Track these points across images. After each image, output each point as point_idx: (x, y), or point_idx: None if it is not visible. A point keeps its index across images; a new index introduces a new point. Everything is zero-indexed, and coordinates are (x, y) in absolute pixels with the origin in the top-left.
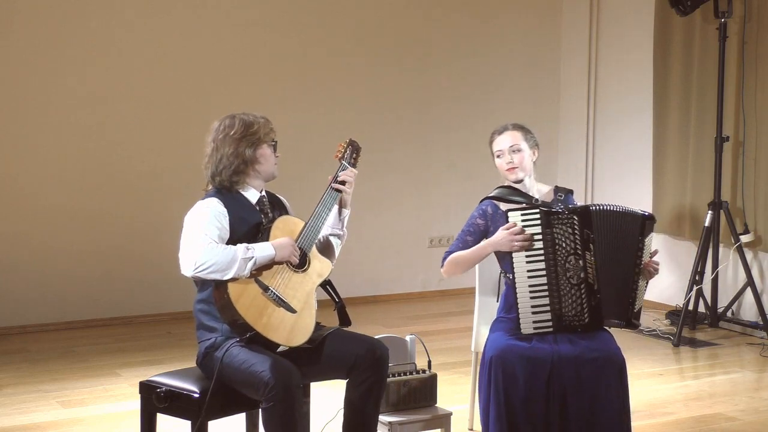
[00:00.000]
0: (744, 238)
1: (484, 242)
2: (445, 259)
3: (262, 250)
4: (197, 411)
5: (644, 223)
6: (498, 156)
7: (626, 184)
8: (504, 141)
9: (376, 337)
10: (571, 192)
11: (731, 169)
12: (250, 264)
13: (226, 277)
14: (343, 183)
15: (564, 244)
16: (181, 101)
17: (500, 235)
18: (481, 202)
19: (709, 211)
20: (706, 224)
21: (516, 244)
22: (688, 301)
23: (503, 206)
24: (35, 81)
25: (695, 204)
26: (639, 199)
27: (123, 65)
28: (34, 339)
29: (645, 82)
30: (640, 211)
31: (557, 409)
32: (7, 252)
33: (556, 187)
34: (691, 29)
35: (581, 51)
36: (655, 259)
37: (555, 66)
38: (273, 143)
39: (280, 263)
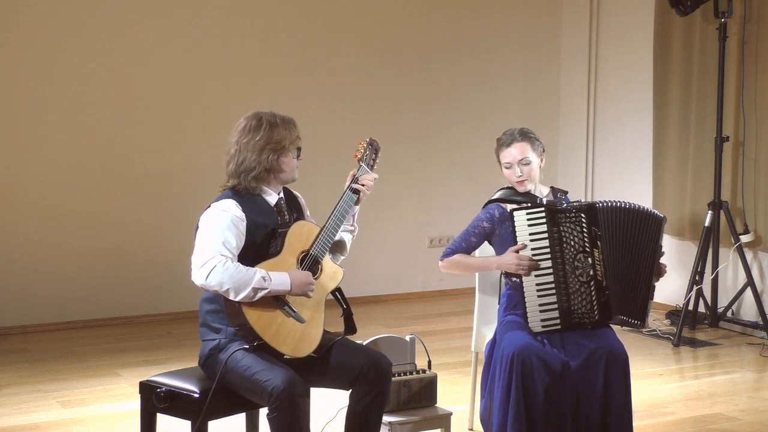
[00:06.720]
0: (744, 238)
1: (490, 258)
2: (446, 255)
3: (278, 284)
4: (197, 411)
5: (662, 224)
6: (506, 167)
7: (626, 184)
8: (513, 154)
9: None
10: (566, 192)
11: (731, 169)
12: (261, 293)
13: (231, 298)
14: (363, 184)
15: (572, 242)
16: (181, 102)
17: (508, 256)
18: (485, 205)
19: (709, 211)
20: (706, 224)
21: (523, 265)
22: (688, 301)
23: (509, 206)
24: (36, 81)
25: (695, 204)
26: (639, 200)
27: (124, 66)
28: (34, 339)
29: (645, 82)
30: (654, 211)
31: (569, 410)
32: (7, 252)
33: (553, 188)
34: (691, 29)
35: (581, 51)
36: (661, 261)
37: (555, 66)
38: (297, 149)
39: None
